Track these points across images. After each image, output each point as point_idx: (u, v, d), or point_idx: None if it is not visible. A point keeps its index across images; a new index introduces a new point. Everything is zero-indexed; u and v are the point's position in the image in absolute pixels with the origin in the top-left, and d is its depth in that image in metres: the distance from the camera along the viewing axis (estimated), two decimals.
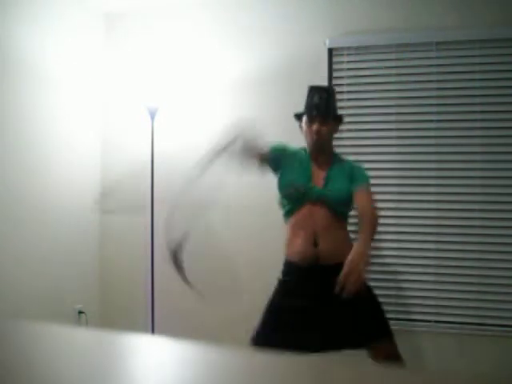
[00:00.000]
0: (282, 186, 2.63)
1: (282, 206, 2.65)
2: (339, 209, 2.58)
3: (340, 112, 3.38)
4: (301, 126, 2.69)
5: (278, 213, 2.69)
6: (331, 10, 3.40)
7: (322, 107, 2.60)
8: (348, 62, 3.37)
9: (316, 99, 2.61)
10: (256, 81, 3.53)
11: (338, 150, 3.40)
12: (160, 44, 3.74)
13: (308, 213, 2.55)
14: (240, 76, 3.57)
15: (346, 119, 3.37)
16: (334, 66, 3.39)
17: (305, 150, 2.70)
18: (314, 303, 2.46)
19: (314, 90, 2.65)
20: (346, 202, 2.60)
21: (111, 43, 3.89)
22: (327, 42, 3.36)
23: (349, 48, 3.36)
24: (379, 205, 3.31)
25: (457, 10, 3.19)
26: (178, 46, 3.71)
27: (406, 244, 3.27)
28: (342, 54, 3.38)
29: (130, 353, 0.70)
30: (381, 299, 3.28)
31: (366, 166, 3.36)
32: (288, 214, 2.63)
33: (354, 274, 2.30)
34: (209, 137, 3.66)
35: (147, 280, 3.64)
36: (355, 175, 2.62)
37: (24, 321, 0.79)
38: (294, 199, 2.59)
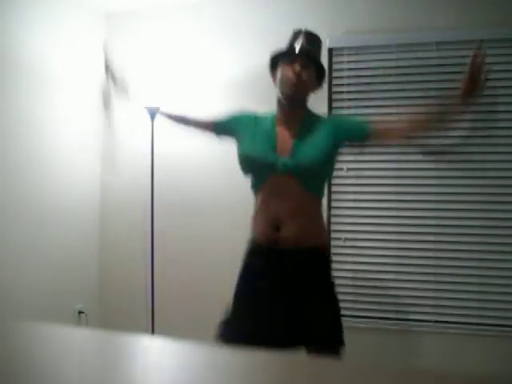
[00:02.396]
0: (239, 159, 2.23)
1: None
2: (310, 183, 2.15)
3: (340, 112, 3.41)
4: (274, 75, 2.25)
5: None
6: (331, 10, 3.40)
7: (307, 48, 2.18)
8: (348, 61, 3.37)
9: (302, 40, 2.20)
10: (256, 81, 3.53)
11: None
12: (160, 44, 3.74)
13: (273, 189, 2.15)
14: (240, 76, 3.57)
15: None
16: (334, 66, 3.39)
17: (272, 114, 2.27)
18: (268, 290, 2.15)
19: (299, 32, 2.25)
20: (319, 172, 2.18)
21: (111, 43, 3.89)
22: (327, 42, 3.35)
23: (349, 48, 3.36)
24: (379, 205, 3.32)
25: (457, 10, 3.19)
26: (178, 46, 3.71)
27: (405, 244, 3.27)
28: (342, 54, 3.38)
29: (130, 353, 0.70)
30: (381, 299, 3.29)
31: (366, 165, 3.38)
32: (253, 187, 2.25)
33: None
34: (208, 137, 3.66)
35: (147, 280, 3.64)
36: (343, 127, 2.19)
37: (24, 321, 0.79)
38: (255, 173, 2.20)
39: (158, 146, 3.65)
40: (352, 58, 3.37)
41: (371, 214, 3.31)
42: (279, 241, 2.14)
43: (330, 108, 3.39)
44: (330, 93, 3.40)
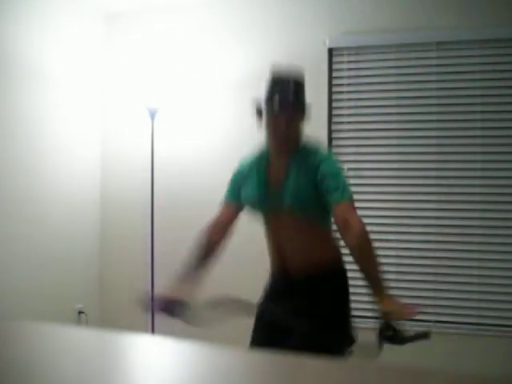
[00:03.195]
0: (244, 204, 2.30)
1: None
2: (305, 216, 2.14)
3: (340, 112, 3.40)
4: (260, 121, 2.20)
5: None
6: (331, 10, 3.40)
7: (288, 105, 2.09)
8: (348, 61, 3.37)
9: (279, 96, 2.09)
10: (256, 81, 3.53)
11: (338, 150, 3.42)
12: (160, 44, 3.73)
13: (273, 225, 2.20)
14: (240, 76, 3.56)
15: (346, 119, 3.39)
16: (334, 66, 3.39)
17: (266, 152, 2.24)
18: (282, 319, 2.18)
19: (274, 85, 2.12)
20: (304, 205, 2.12)
21: (111, 43, 3.89)
22: (327, 42, 3.36)
23: (349, 48, 3.36)
24: (379, 205, 3.32)
25: (457, 10, 3.19)
26: (177, 47, 3.70)
27: (406, 244, 3.27)
28: (342, 54, 3.38)
29: (129, 353, 0.70)
30: None
31: (366, 165, 3.37)
32: (263, 225, 2.29)
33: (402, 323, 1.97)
34: (208, 137, 3.67)
35: (147, 280, 3.64)
36: (323, 178, 2.07)
37: (24, 321, 0.79)
38: (256, 213, 2.25)
39: (157, 146, 3.66)
40: (352, 58, 3.37)
41: (371, 214, 3.30)
42: (289, 272, 2.21)
43: (330, 108, 3.39)
44: (330, 93, 3.40)
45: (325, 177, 2.07)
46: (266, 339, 2.25)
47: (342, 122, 3.38)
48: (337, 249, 2.29)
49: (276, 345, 2.06)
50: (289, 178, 2.13)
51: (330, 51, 3.38)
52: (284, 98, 2.09)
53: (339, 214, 2.08)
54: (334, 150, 3.40)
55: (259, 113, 2.18)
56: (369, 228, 3.42)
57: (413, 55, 3.27)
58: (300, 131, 2.18)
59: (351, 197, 2.14)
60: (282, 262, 2.23)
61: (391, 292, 2.02)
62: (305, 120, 2.18)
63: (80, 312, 3.61)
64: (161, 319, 3.60)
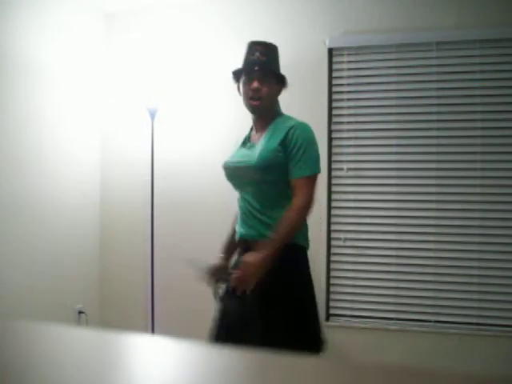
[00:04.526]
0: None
1: None
2: (265, 175, 2.19)
3: (340, 112, 3.40)
4: (238, 87, 2.35)
5: None
6: (331, 10, 3.40)
7: (262, 62, 2.25)
8: (348, 61, 3.37)
9: (256, 54, 2.27)
10: None
11: (338, 150, 3.42)
12: (160, 44, 3.74)
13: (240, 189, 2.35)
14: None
15: (346, 119, 3.38)
16: (334, 66, 3.39)
17: (251, 128, 2.44)
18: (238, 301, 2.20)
19: (253, 45, 2.33)
20: (268, 165, 2.17)
21: (111, 42, 3.89)
22: (327, 42, 3.36)
23: (349, 48, 3.36)
24: (379, 205, 3.32)
25: (457, 10, 3.19)
26: (177, 47, 3.71)
27: (406, 244, 3.27)
28: (342, 54, 3.38)
29: (129, 353, 0.70)
30: (381, 299, 3.29)
31: (366, 165, 3.38)
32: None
33: (242, 283, 2.11)
34: (208, 137, 3.67)
35: (147, 280, 3.64)
36: (289, 148, 2.16)
37: (24, 321, 0.79)
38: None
39: (157, 146, 3.66)
40: (352, 58, 3.37)
41: (371, 214, 3.31)
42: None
43: (330, 108, 3.39)
44: (330, 93, 3.40)
45: (291, 146, 2.17)
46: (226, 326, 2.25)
47: (341, 122, 3.38)
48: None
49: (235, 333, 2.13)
50: (261, 141, 2.23)
51: (330, 51, 3.38)
52: (260, 53, 2.26)
53: (293, 188, 2.17)
54: (334, 150, 3.40)
55: (236, 78, 2.33)
56: (369, 228, 3.44)
57: (413, 55, 3.27)
58: (272, 94, 2.30)
59: (310, 171, 2.19)
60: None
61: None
62: (279, 87, 2.33)
63: (80, 312, 3.61)
64: (161, 319, 3.61)
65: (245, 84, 2.28)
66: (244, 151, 2.33)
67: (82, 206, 3.71)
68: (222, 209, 3.60)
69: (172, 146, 3.71)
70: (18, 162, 3.21)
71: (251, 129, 2.42)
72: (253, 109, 2.30)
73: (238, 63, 3.73)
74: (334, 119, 3.39)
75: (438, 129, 3.23)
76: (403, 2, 3.28)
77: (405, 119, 3.29)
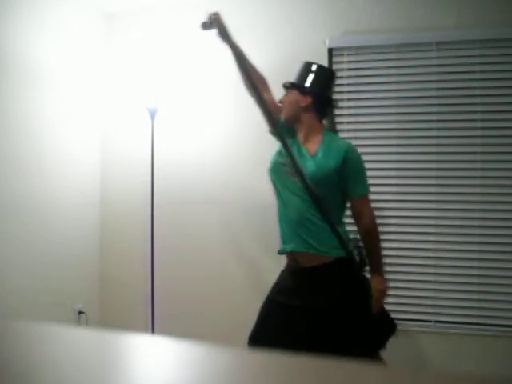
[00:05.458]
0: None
1: None
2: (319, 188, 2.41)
3: (340, 112, 3.40)
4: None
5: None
6: (331, 10, 3.40)
7: (290, 82, 2.58)
8: (348, 61, 3.37)
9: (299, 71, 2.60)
10: None
11: None
12: (160, 44, 3.74)
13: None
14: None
15: (346, 119, 3.38)
16: (334, 66, 3.39)
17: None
18: (294, 303, 2.40)
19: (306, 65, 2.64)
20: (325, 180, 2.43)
21: (111, 42, 3.89)
22: (327, 42, 3.36)
23: (349, 48, 3.36)
24: (379, 205, 3.32)
25: (457, 10, 3.19)
26: (177, 47, 3.70)
27: (406, 244, 3.27)
28: (342, 54, 3.38)
29: (130, 353, 0.70)
30: None
31: (366, 165, 3.36)
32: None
33: (381, 306, 2.45)
34: (208, 137, 3.66)
35: (147, 280, 3.64)
36: (347, 169, 2.43)
37: (24, 321, 0.79)
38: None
39: (157, 146, 3.65)
40: (352, 58, 3.37)
41: None
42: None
43: None
44: None
45: (349, 168, 2.41)
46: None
47: (341, 122, 3.38)
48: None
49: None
50: (317, 155, 2.43)
51: (330, 51, 3.38)
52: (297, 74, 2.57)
53: (355, 206, 2.48)
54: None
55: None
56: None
57: (413, 55, 3.27)
58: (295, 107, 2.53)
59: (366, 190, 2.51)
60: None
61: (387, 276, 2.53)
62: (304, 100, 2.51)
63: (80, 312, 3.61)
64: (161, 319, 3.61)
65: None
66: (302, 158, 2.47)
67: (82, 206, 3.71)
68: (222, 208, 3.60)
69: (172, 146, 3.71)
70: (18, 162, 3.21)
71: (294, 134, 2.56)
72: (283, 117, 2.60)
73: None
74: (334, 119, 3.39)
75: (437, 129, 3.23)
76: (403, 2, 3.28)
77: (405, 119, 3.29)
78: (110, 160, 3.87)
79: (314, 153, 2.45)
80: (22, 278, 3.19)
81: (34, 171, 3.31)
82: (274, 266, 3.11)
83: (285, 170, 2.46)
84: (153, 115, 3.55)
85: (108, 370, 0.61)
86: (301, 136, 2.53)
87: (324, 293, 2.34)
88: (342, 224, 2.50)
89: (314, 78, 2.55)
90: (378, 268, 2.47)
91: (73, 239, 3.61)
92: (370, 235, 2.47)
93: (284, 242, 2.48)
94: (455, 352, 3.15)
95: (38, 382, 0.57)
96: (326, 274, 2.37)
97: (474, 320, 3.15)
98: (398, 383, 0.56)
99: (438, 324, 3.20)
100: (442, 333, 3.18)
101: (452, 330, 3.18)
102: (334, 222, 2.40)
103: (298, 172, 2.38)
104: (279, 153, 2.52)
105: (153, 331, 3.58)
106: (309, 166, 2.40)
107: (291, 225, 2.42)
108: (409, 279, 3.26)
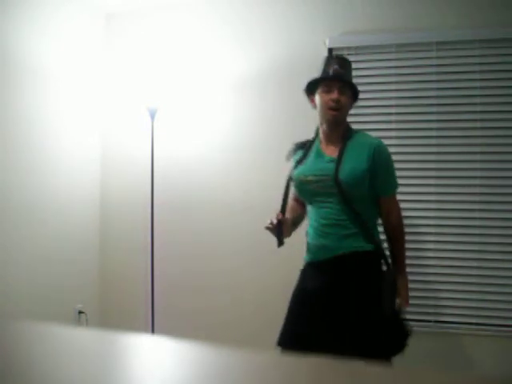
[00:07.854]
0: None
1: None
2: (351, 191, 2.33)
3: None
4: (312, 100, 2.48)
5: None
6: (331, 10, 3.40)
7: (341, 73, 2.37)
8: None
9: (335, 66, 2.38)
10: (256, 81, 3.53)
11: None
12: (160, 44, 3.74)
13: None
14: (240, 76, 3.57)
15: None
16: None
17: (317, 139, 2.49)
18: (320, 297, 2.34)
19: (331, 58, 2.46)
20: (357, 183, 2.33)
21: (111, 43, 3.89)
22: (327, 42, 3.36)
23: (349, 48, 3.36)
24: None
25: (457, 10, 3.19)
26: (177, 47, 3.71)
27: (405, 244, 3.26)
28: (341, 54, 3.37)
29: (130, 353, 0.70)
30: None
31: None
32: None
33: (407, 306, 2.51)
34: (209, 137, 3.67)
35: (147, 280, 3.64)
36: (376, 167, 2.32)
37: (24, 321, 0.79)
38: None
39: (157, 146, 3.66)
40: (352, 58, 3.36)
41: None
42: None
43: None
44: None
45: (379, 165, 2.32)
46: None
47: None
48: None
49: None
50: (343, 156, 2.32)
51: (330, 51, 3.38)
52: (339, 66, 2.37)
53: (385, 204, 2.42)
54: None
55: (310, 89, 2.41)
56: None
57: (413, 55, 3.27)
58: (349, 105, 2.42)
59: (395, 187, 2.46)
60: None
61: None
62: (353, 101, 2.44)
63: (80, 312, 3.61)
64: (161, 319, 3.61)
65: (324, 94, 2.37)
66: (323, 164, 2.38)
67: (83, 206, 3.71)
68: (222, 208, 3.61)
69: (172, 146, 3.71)
70: (19, 161, 3.21)
71: (316, 140, 2.47)
72: (332, 118, 2.38)
73: (238, 63, 3.72)
74: None
75: (437, 129, 3.23)
76: (403, 2, 3.29)
77: (405, 119, 3.29)
78: (110, 159, 3.87)
79: (340, 156, 2.34)
80: (22, 278, 3.19)
81: (34, 170, 3.31)
82: (274, 262, 3.12)
83: (317, 186, 2.36)
84: (153, 115, 3.56)
85: (108, 370, 0.61)
86: (331, 138, 2.42)
87: (352, 281, 2.30)
88: (375, 226, 2.45)
89: (352, 78, 2.47)
90: (403, 266, 2.48)
91: (73, 239, 3.61)
92: (398, 233, 2.46)
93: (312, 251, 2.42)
94: (455, 352, 3.15)
95: (38, 382, 0.57)
96: (357, 265, 2.33)
97: (474, 320, 3.15)
98: (398, 383, 0.56)
99: (438, 324, 3.20)
100: (442, 333, 3.18)
101: (452, 330, 3.18)
102: (369, 227, 2.35)
103: (337, 183, 2.29)
104: (307, 169, 2.41)
105: (153, 331, 3.58)
106: (340, 171, 2.30)
107: (322, 232, 2.36)
108: (409, 279, 3.25)
